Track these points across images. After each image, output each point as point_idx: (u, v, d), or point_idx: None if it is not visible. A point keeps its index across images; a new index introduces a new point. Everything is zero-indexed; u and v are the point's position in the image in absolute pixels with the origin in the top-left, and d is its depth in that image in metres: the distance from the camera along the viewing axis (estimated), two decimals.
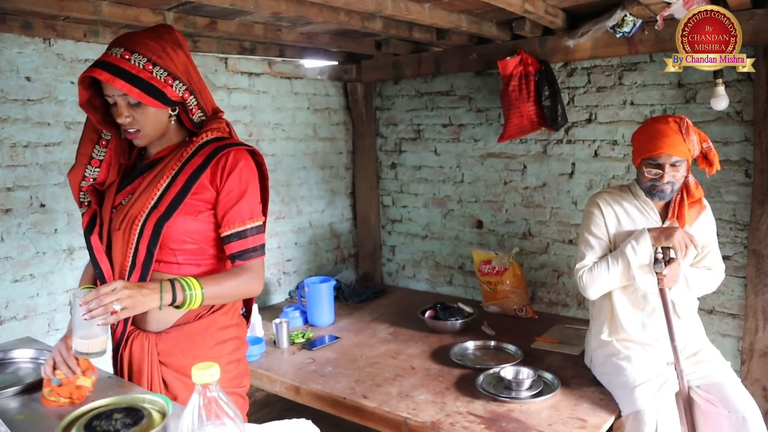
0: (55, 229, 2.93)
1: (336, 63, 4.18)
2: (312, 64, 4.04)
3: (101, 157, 1.73)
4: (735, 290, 3.08)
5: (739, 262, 3.06)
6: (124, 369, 1.72)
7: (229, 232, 1.66)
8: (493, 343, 3.11)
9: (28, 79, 2.79)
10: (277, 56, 3.71)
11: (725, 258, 2.63)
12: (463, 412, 2.40)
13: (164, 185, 1.64)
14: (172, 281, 1.55)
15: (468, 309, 3.57)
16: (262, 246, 1.71)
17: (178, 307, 1.57)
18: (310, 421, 1.45)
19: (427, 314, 3.49)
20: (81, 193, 1.77)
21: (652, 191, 2.39)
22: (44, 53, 2.83)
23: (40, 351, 1.98)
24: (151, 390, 1.64)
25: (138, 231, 1.62)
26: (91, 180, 1.74)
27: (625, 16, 2.83)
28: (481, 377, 2.64)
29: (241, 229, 1.66)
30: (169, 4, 2.56)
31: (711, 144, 2.35)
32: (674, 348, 2.32)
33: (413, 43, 3.74)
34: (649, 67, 3.25)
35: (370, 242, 4.63)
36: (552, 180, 3.69)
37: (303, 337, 3.30)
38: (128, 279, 1.63)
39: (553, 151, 3.66)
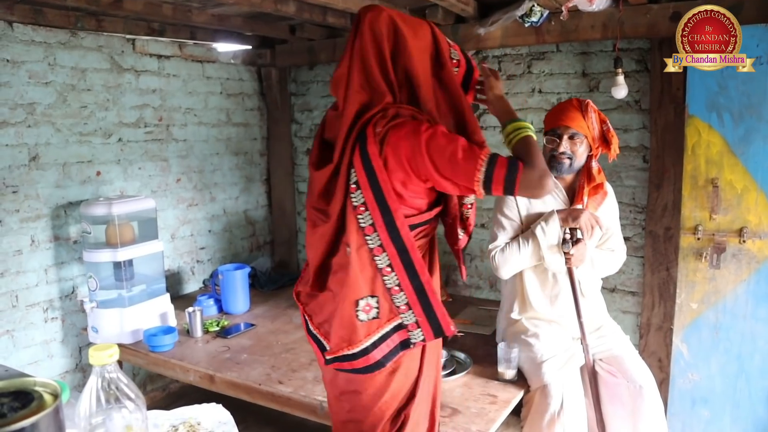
0: None
1: (249, 47, 4.10)
2: (225, 47, 3.94)
3: None
4: (634, 269, 3.25)
5: (637, 242, 3.23)
6: None
7: None
8: None
9: None
10: (188, 38, 3.59)
11: (626, 239, 2.77)
12: None
13: None
14: None
15: None
16: None
17: None
18: (221, 405, 1.43)
19: None
20: None
21: (551, 164, 2.47)
22: None
23: None
24: None
25: None
26: None
27: (533, 6, 2.91)
28: None
29: None
30: None
31: (610, 126, 2.45)
32: (581, 324, 2.42)
33: (328, 28, 3.72)
34: (555, 57, 3.37)
35: (285, 229, 4.58)
36: None
37: (217, 325, 3.23)
38: None
39: None
